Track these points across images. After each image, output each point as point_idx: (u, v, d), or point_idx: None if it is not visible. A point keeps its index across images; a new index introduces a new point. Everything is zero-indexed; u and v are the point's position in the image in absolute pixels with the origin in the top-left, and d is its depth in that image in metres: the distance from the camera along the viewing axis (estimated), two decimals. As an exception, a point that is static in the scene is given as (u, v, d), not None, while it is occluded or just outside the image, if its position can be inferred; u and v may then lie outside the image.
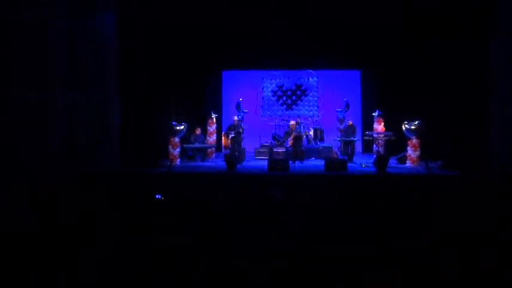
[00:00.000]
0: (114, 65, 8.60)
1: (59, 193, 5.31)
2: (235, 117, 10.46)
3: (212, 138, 11.34)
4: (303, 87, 13.71)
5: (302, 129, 10.77)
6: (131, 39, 9.05)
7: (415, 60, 10.44)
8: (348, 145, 10.23)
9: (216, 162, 10.40)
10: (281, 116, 13.32)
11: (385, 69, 12.09)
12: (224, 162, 9.18)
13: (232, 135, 10.07)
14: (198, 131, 10.91)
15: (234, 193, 6.61)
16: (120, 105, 8.72)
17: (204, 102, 13.09)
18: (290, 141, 10.17)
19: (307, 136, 11.75)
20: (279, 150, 10.94)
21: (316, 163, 10.11)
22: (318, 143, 11.83)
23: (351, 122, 10.51)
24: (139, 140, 9.16)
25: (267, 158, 10.44)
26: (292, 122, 10.43)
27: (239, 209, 4.61)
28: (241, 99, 12.57)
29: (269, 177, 7.83)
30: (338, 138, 10.75)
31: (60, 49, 7.14)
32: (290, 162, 9.15)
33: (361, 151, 13.19)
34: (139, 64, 9.48)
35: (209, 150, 11.02)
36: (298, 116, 11.99)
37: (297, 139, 10.15)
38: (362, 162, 9.51)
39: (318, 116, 13.35)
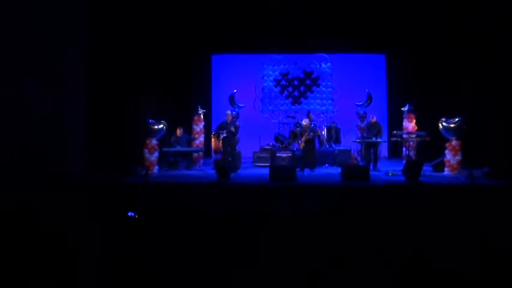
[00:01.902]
0: (80, 49, 8.64)
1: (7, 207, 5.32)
2: (229, 113, 10.49)
3: (199, 140, 11.39)
4: (313, 76, 13.76)
5: (314, 128, 10.80)
6: (100, 19, 9.11)
7: (455, 40, 10.32)
8: (371, 148, 10.28)
9: (203, 170, 10.44)
10: (286, 112, 13.43)
11: (417, 52, 12.19)
12: (214, 171, 9.19)
13: (224, 135, 10.10)
14: (181, 131, 10.96)
15: (227, 209, 6.64)
16: (86, 99, 8.75)
17: (188, 95, 13.16)
18: (301, 144, 10.23)
19: (319, 137, 11.80)
20: (284, 154, 10.98)
21: (330, 171, 10.15)
22: (333, 145, 11.90)
23: (374, 119, 10.47)
24: (107, 143, 9.22)
25: (268, 164, 10.51)
26: (306, 121, 10.48)
27: (234, 229, 4.64)
28: (235, 91, 12.63)
29: (271, 190, 7.82)
30: (358, 140, 10.80)
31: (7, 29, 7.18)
32: (297, 170, 9.17)
33: (386, 155, 13.27)
34: (111, 49, 9.54)
35: (195, 155, 11.06)
36: (308, 112, 12.04)
37: (310, 143, 10.25)
38: (388, 170, 9.55)
39: (333, 112, 13.43)
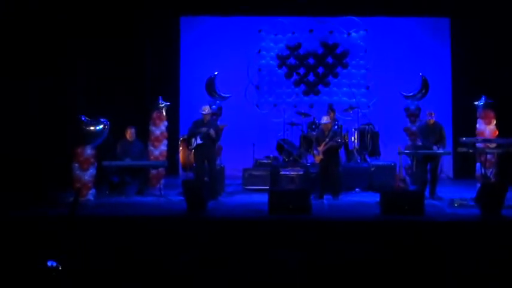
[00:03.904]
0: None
1: None
2: (206, 109, 10.42)
3: (160, 149, 11.40)
4: (338, 50, 13.74)
5: (337, 130, 10.74)
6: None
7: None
8: (427, 163, 10.28)
9: (166, 196, 10.39)
10: (294, 105, 13.41)
11: (502, 16, 12.22)
12: (182, 197, 9.11)
13: (199, 142, 10.05)
14: (133, 135, 10.95)
15: (199, 260, 6.60)
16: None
17: (143, 79, 13.16)
18: (319, 157, 10.25)
19: (345, 145, 11.73)
20: (291, 173, 10.96)
21: (363, 199, 10.13)
22: (368, 158, 11.89)
23: (432, 119, 10.52)
24: (13, 153, 9.16)
25: (266, 188, 10.38)
26: (326, 120, 10.41)
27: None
28: (216, 74, 12.61)
29: (271, 228, 7.76)
30: (407, 151, 10.79)
31: None
32: (313, 197, 9.14)
33: (451, 175, 13.22)
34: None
35: (153, 172, 11.05)
36: (330, 106, 12.04)
37: (332, 154, 10.21)
38: (454, 198, 9.56)
39: (368, 107, 13.43)
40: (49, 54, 10.28)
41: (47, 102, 10.24)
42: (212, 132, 9.92)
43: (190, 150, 10.29)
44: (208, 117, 10.20)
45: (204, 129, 9.90)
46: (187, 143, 10.37)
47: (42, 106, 10.07)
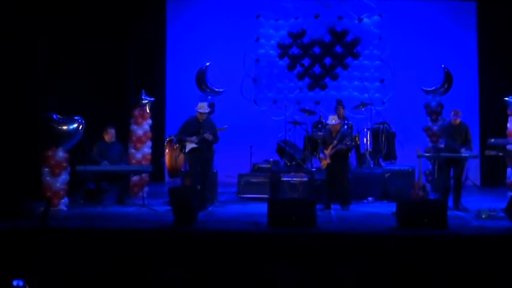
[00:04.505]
0: None
1: None
2: (203, 106, 10.39)
3: (143, 151, 11.39)
4: (348, 38, 13.79)
5: (346, 131, 10.79)
6: None
7: None
8: (451, 167, 10.27)
9: (150, 205, 10.38)
10: (298, 101, 13.48)
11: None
12: (168, 207, 9.12)
13: (194, 146, 10.10)
14: (110, 135, 10.96)
15: (192, 280, 6.57)
16: None
17: (124, 70, 13.18)
18: (325, 161, 10.26)
19: (357, 148, 11.75)
20: (294, 179, 10.96)
21: (376, 209, 10.16)
22: (383, 162, 11.89)
23: (457, 119, 10.50)
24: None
25: (265, 196, 10.46)
26: (334, 120, 10.36)
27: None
28: (208, 65, 12.59)
29: (271, 242, 7.71)
30: (427, 154, 10.82)
31: None
32: (319, 207, 9.13)
33: (478, 182, 13.22)
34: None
35: (135, 178, 11.05)
36: (339, 103, 12.04)
37: (342, 158, 10.20)
38: (481, 209, 9.53)
39: (383, 103, 13.47)
40: (11, 42, 10.22)
41: (13, 98, 10.18)
42: (209, 136, 9.96)
43: (179, 153, 10.32)
44: (204, 117, 10.23)
45: (195, 139, 9.96)
46: (179, 146, 10.37)
47: (7, 103, 10.00)
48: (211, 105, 11.78)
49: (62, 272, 7.18)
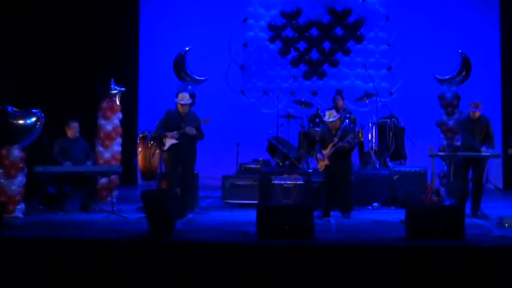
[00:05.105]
0: None
1: None
2: (184, 97, 10.39)
3: (112, 150, 11.40)
4: (350, 19, 13.81)
5: (348, 127, 10.79)
6: None
7: None
8: (469, 169, 10.31)
9: (120, 212, 10.34)
10: (292, 92, 13.54)
11: None
12: (142, 214, 9.14)
13: (174, 143, 10.10)
14: (74, 130, 10.91)
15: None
16: None
17: (89, 58, 13.16)
18: (323, 162, 10.25)
19: (360, 146, 11.81)
20: (287, 182, 10.96)
21: (383, 217, 10.20)
22: (390, 163, 11.94)
23: (477, 112, 10.50)
24: None
25: (254, 202, 10.52)
26: (332, 116, 10.34)
27: None
28: (188, 49, 12.56)
29: (260, 256, 7.68)
30: (442, 153, 10.85)
31: None
32: (316, 215, 9.14)
33: (500, 185, 13.32)
34: None
35: (102, 181, 11.05)
36: (338, 93, 12.08)
37: (343, 158, 10.20)
38: (503, 216, 9.51)
39: (390, 94, 13.55)
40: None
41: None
42: (191, 130, 9.96)
43: (154, 151, 10.34)
44: (186, 109, 10.29)
45: (175, 135, 9.97)
46: (157, 142, 10.37)
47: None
48: (191, 96, 11.72)
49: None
